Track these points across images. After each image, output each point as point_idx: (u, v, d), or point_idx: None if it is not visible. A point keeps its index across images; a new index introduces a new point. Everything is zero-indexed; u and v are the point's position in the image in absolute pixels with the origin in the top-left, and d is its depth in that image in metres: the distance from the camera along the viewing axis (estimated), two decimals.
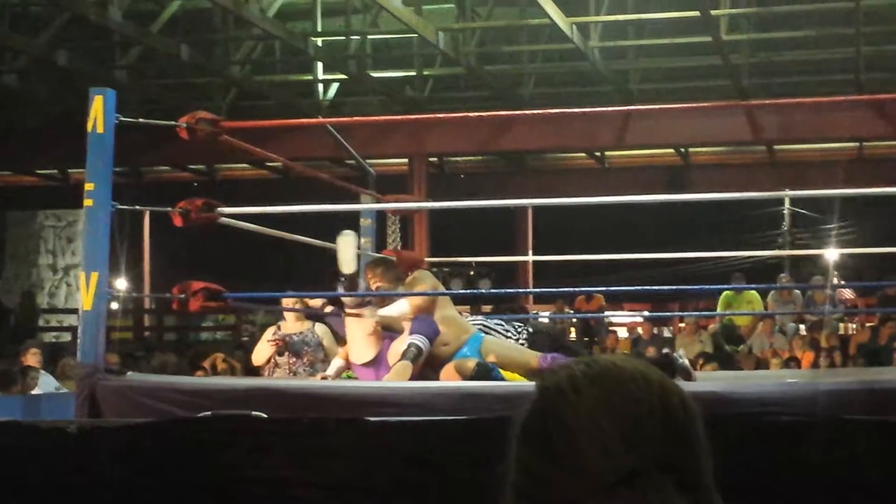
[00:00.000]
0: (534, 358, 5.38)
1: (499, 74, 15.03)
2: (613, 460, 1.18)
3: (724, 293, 13.58)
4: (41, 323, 18.42)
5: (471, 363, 5.25)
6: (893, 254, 6.86)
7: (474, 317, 6.38)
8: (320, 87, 15.89)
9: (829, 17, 13.65)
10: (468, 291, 13.47)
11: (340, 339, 6.51)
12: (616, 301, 16.68)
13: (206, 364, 10.60)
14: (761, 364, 11.69)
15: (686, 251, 11.88)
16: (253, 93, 15.63)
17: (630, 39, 14.35)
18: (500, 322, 5.96)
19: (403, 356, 5.28)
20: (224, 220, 5.17)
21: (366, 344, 5.69)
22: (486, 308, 12.76)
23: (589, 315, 14.43)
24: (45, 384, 8.54)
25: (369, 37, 14.56)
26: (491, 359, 5.37)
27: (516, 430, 1.24)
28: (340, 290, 5.81)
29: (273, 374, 7.62)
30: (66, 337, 16.46)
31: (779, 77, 15.24)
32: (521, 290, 13.34)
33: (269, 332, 7.88)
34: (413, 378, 5.16)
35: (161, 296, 5.09)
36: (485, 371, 5.17)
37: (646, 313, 17.06)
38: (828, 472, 2.82)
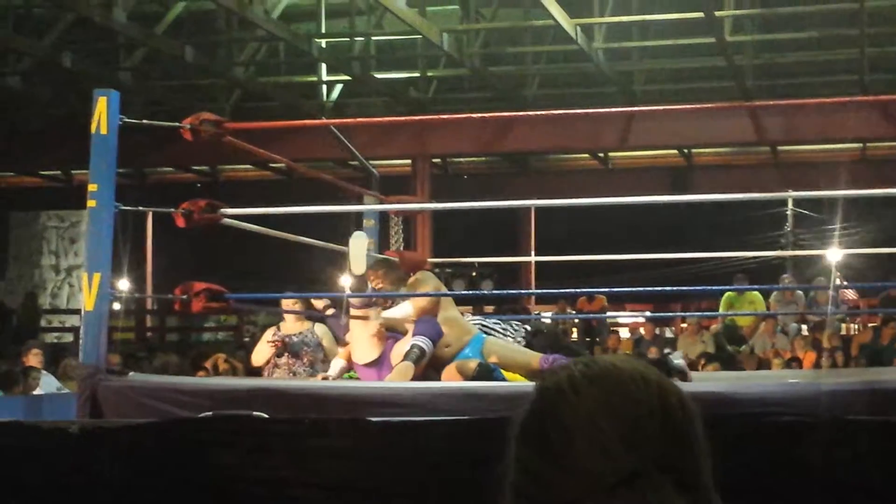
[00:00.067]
0: (535, 359, 5.38)
1: (503, 75, 15.04)
2: (613, 461, 1.18)
3: (727, 294, 13.58)
4: (43, 323, 18.45)
5: (472, 364, 5.25)
6: None
7: (473, 317, 6.37)
8: (324, 88, 15.89)
9: (833, 18, 13.64)
10: (471, 292, 13.47)
11: (340, 341, 6.51)
12: (618, 302, 16.67)
13: (208, 365, 10.60)
14: (763, 364, 11.69)
15: (689, 252, 11.88)
16: (257, 94, 15.64)
17: (634, 41, 14.34)
18: (497, 321, 5.97)
19: (406, 357, 5.28)
20: (227, 221, 5.18)
21: (369, 344, 5.68)
22: (489, 309, 12.76)
23: (591, 316, 14.43)
24: (47, 384, 8.56)
25: (373, 38, 14.57)
26: (493, 360, 5.37)
27: (515, 430, 1.24)
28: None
29: (273, 375, 7.63)
30: (69, 337, 16.49)
31: (783, 78, 15.24)
32: (522, 291, 13.34)
33: (269, 333, 7.89)
34: (415, 379, 5.16)
35: (163, 297, 5.08)
36: (486, 372, 5.17)
37: (648, 314, 17.06)
38: (829, 473, 2.82)
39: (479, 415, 3.35)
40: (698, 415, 1.24)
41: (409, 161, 16.61)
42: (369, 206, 7.12)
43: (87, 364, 4.42)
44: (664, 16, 13.11)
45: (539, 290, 10.88)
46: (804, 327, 13.52)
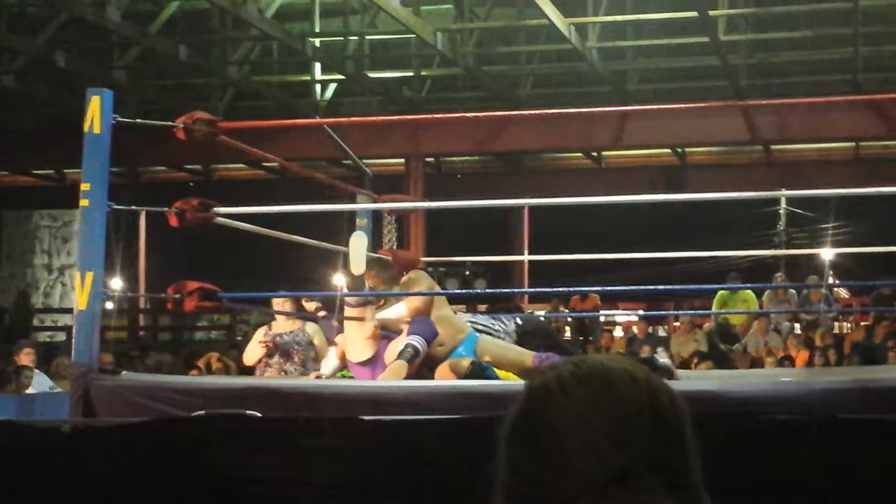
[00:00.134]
0: (528, 357, 5.39)
1: (496, 75, 15.04)
2: (603, 460, 1.17)
3: (720, 292, 13.60)
4: (36, 322, 18.44)
5: (465, 362, 5.25)
6: (888, 253, 6.86)
7: (462, 314, 6.37)
8: (318, 87, 15.89)
9: (826, 17, 13.66)
10: (463, 291, 13.47)
11: (331, 343, 6.50)
12: (611, 300, 16.68)
13: (201, 363, 10.59)
14: (756, 363, 11.71)
15: (682, 251, 11.90)
16: (251, 93, 15.63)
17: (628, 40, 14.36)
18: (486, 318, 5.97)
19: (400, 356, 5.28)
20: (220, 220, 5.17)
21: (363, 343, 5.68)
22: (482, 307, 12.76)
23: (584, 314, 14.44)
24: (40, 383, 8.54)
25: (367, 37, 14.57)
26: (486, 358, 5.37)
27: (505, 431, 1.24)
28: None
29: (264, 375, 7.62)
30: (61, 336, 16.46)
31: (776, 77, 15.26)
32: (516, 290, 13.35)
33: (260, 333, 7.89)
34: (409, 378, 5.16)
35: (156, 296, 5.09)
36: (479, 370, 5.17)
37: (641, 312, 17.08)
38: (821, 471, 2.82)
39: (472, 413, 3.35)
40: (688, 413, 1.24)
41: (402, 160, 16.62)
42: (362, 206, 7.12)
43: (80, 363, 4.41)
44: (658, 15, 13.13)
45: (532, 289, 10.89)
46: (797, 326, 13.55)
